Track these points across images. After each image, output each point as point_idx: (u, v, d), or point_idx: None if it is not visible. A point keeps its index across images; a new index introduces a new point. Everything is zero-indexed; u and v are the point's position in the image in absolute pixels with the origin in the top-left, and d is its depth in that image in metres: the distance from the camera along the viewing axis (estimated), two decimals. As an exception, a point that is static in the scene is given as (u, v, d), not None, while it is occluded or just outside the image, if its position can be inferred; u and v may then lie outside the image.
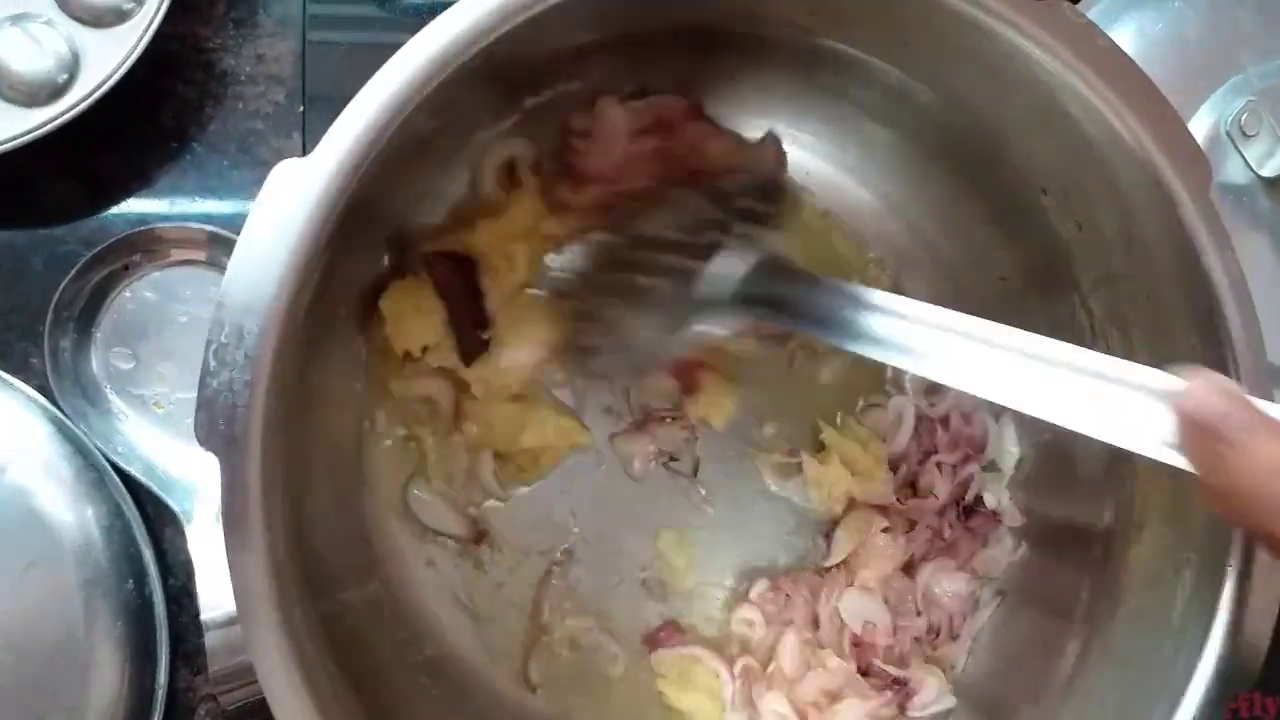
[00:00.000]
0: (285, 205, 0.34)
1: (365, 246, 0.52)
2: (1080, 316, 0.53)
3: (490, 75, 0.39)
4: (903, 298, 0.43)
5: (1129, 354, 0.49)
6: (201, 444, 0.34)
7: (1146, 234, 0.46)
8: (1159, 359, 0.45)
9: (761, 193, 0.56)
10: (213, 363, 0.34)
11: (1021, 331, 0.39)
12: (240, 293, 0.34)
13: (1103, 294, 0.51)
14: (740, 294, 0.50)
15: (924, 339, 0.41)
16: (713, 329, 0.50)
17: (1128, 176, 0.45)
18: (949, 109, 0.52)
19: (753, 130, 0.59)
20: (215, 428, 0.33)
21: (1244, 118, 0.61)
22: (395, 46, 0.37)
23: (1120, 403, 0.36)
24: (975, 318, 0.40)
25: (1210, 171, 0.44)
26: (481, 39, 0.36)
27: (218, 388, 0.34)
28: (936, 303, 0.41)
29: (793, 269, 0.50)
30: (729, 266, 0.50)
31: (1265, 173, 0.61)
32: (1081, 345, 0.38)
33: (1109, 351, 0.48)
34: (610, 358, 0.55)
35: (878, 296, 0.43)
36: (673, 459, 0.61)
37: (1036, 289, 0.56)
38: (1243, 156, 0.61)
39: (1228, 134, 0.61)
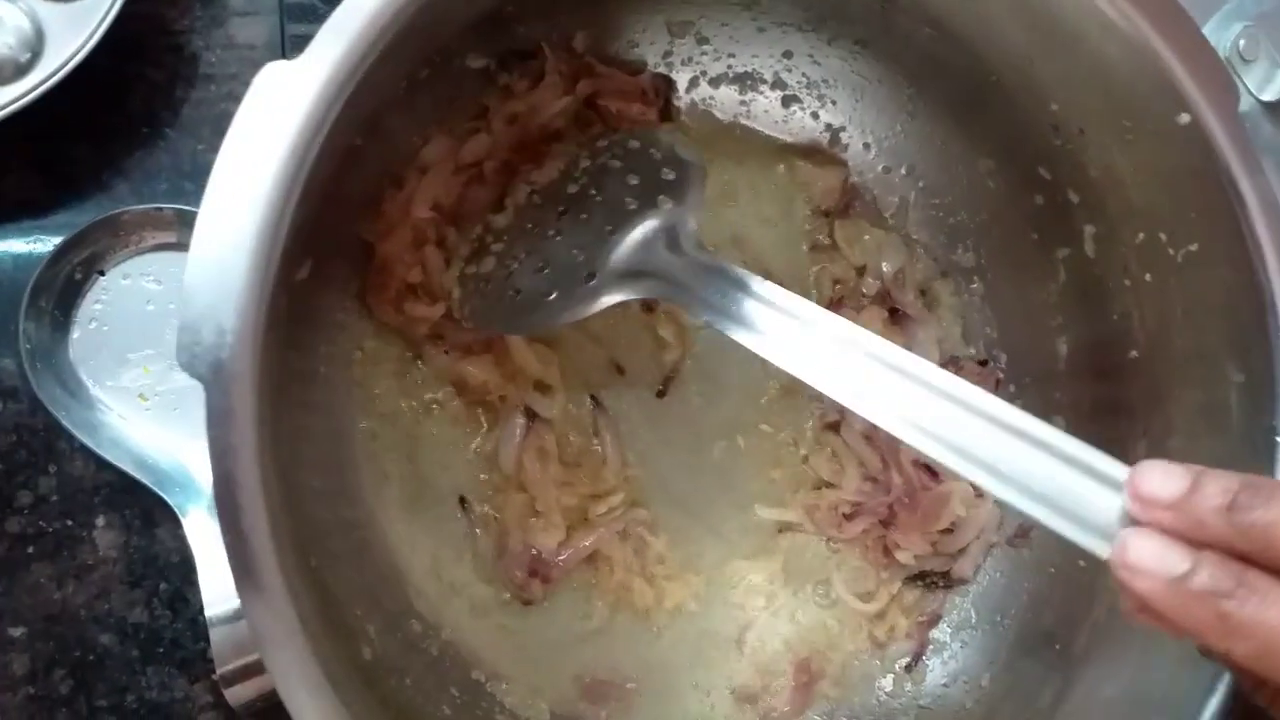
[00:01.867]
0: (272, 112, 0.32)
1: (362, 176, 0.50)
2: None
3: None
4: (792, 296, 0.42)
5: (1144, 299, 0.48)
6: (184, 369, 0.32)
7: (1169, 164, 0.44)
8: (1185, 300, 0.45)
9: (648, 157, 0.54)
10: (195, 282, 0.31)
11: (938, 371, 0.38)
12: (224, 208, 0.32)
13: (1110, 237, 0.50)
14: (633, 268, 0.48)
15: (804, 339, 0.41)
16: (615, 297, 0.48)
17: (1149, 101, 0.43)
18: (948, 45, 0.50)
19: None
20: (199, 353, 0.31)
21: (1242, 43, 0.60)
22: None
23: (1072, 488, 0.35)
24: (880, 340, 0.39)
25: (1238, 91, 0.42)
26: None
27: (201, 310, 0.31)
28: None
29: (682, 248, 0.48)
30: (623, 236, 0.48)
31: (1266, 97, 0.60)
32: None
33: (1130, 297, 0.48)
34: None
35: (766, 289, 0.43)
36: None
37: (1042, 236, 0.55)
38: (1242, 82, 0.60)
39: (1226, 60, 0.60)
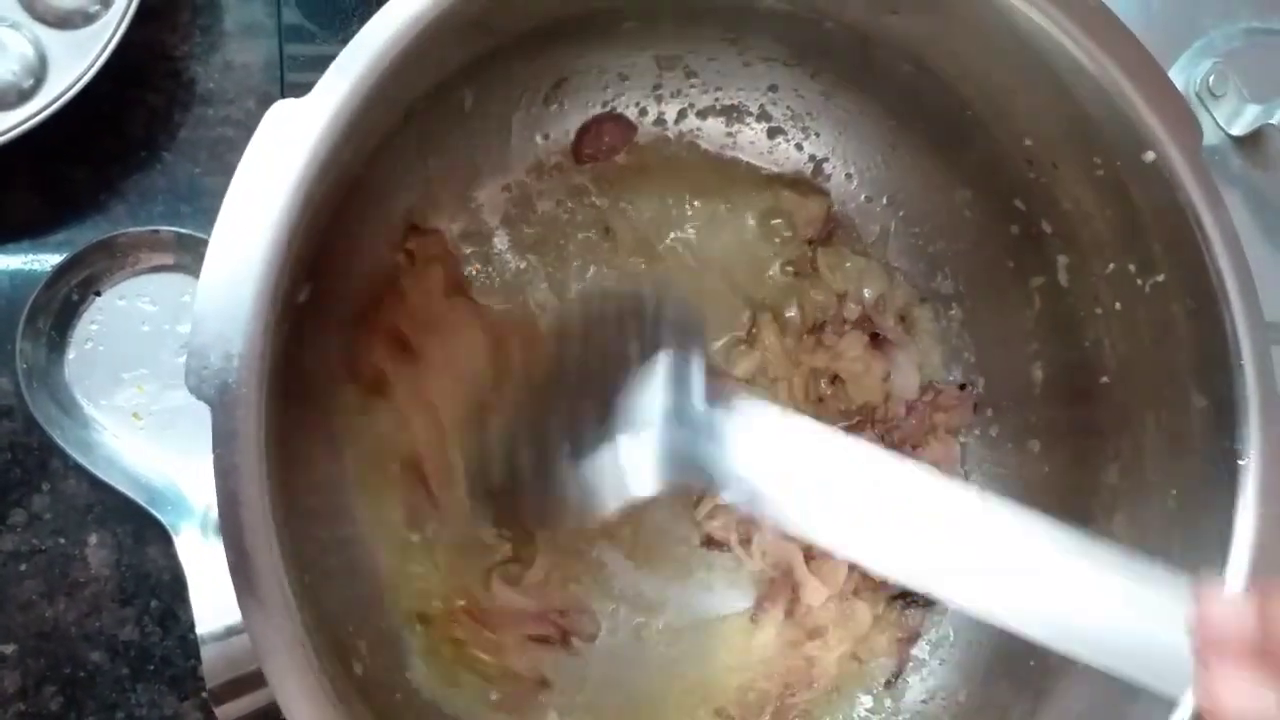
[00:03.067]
0: (282, 146, 0.33)
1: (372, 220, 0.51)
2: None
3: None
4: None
5: (1115, 327, 0.50)
6: (192, 392, 0.33)
7: (1136, 199, 0.46)
8: (1152, 329, 0.46)
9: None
10: (204, 308, 0.32)
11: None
12: (234, 237, 0.33)
13: (1082, 267, 0.51)
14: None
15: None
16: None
17: (1117, 139, 0.45)
18: (928, 81, 0.52)
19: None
20: (207, 375, 0.32)
21: (1211, 79, 0.62)
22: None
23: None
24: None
25: (1201, 132, 0.44)
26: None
27: (209, 335, 0.32)
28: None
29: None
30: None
31: (1234, 131, 0.62)
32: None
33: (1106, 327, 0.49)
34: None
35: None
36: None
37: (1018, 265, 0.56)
38: (1212, 117, 0.63)
39: (1196, 95, 0.63)
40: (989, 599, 0.37)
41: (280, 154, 0.34)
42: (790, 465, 0.40)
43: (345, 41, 0.35)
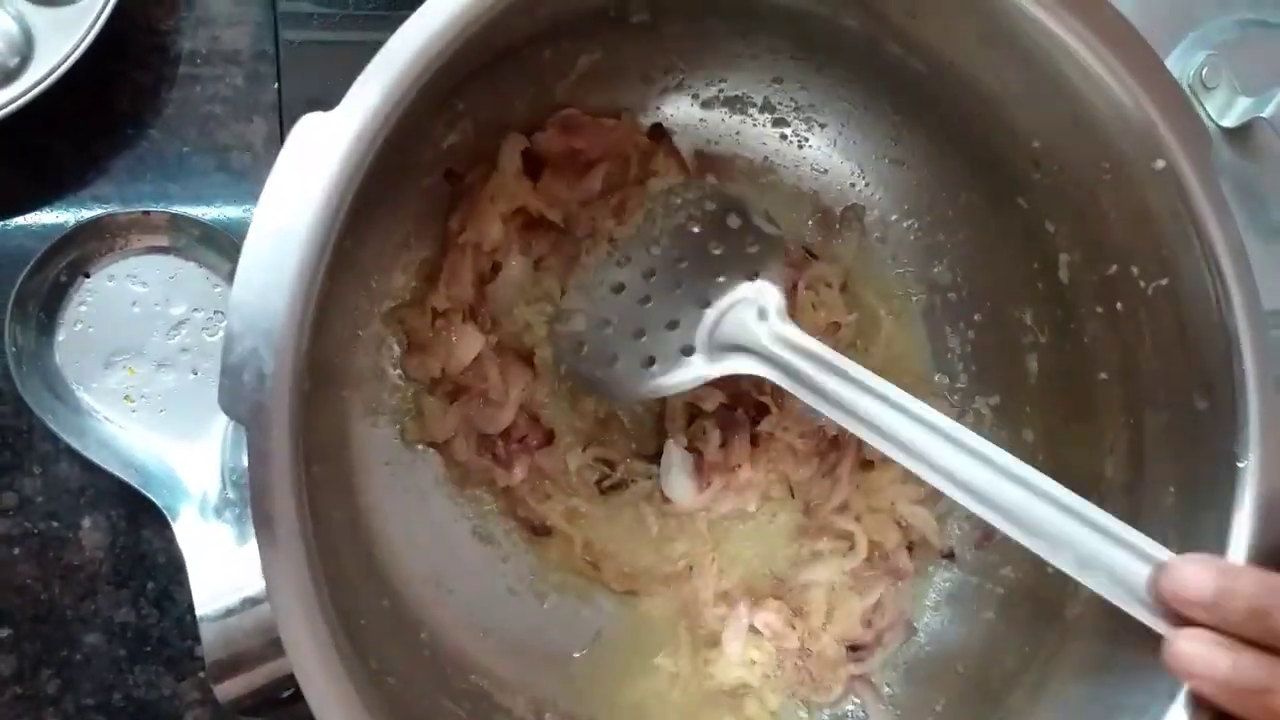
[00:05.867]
0: (313, 158, 0.33)
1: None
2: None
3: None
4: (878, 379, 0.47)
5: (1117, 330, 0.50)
6: (225, 411, 0.32)
7: (1144, 204, 0.46)
8: (1154, 331, 0.47)
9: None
10: (237, 326, 0.32)
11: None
12: (266, 251, 0.32)
13: (1084, 266, 0.52)
14: (729, 342, 0.51)
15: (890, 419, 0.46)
16: (715, 371, 0.51)
17: (1127, 146, 0.45)
18: (939, 80, 0.51)
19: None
20: (241, 395, 0.32)
21: (1204, 71, 0.63)
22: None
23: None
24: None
25: (1210, 142, 0.44)
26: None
27: (242, 353, 0.32)
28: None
29: (772, 324, 0.50)
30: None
31: (1226, 123, 0.63)
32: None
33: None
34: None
35: (853, 370, 0.47)
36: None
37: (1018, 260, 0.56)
38: (1204, 109, 0.63)
39: (1190, 88, 0.63)
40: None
41: (311, 167, 0.33)
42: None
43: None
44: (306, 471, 0.34)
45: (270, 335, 0.32)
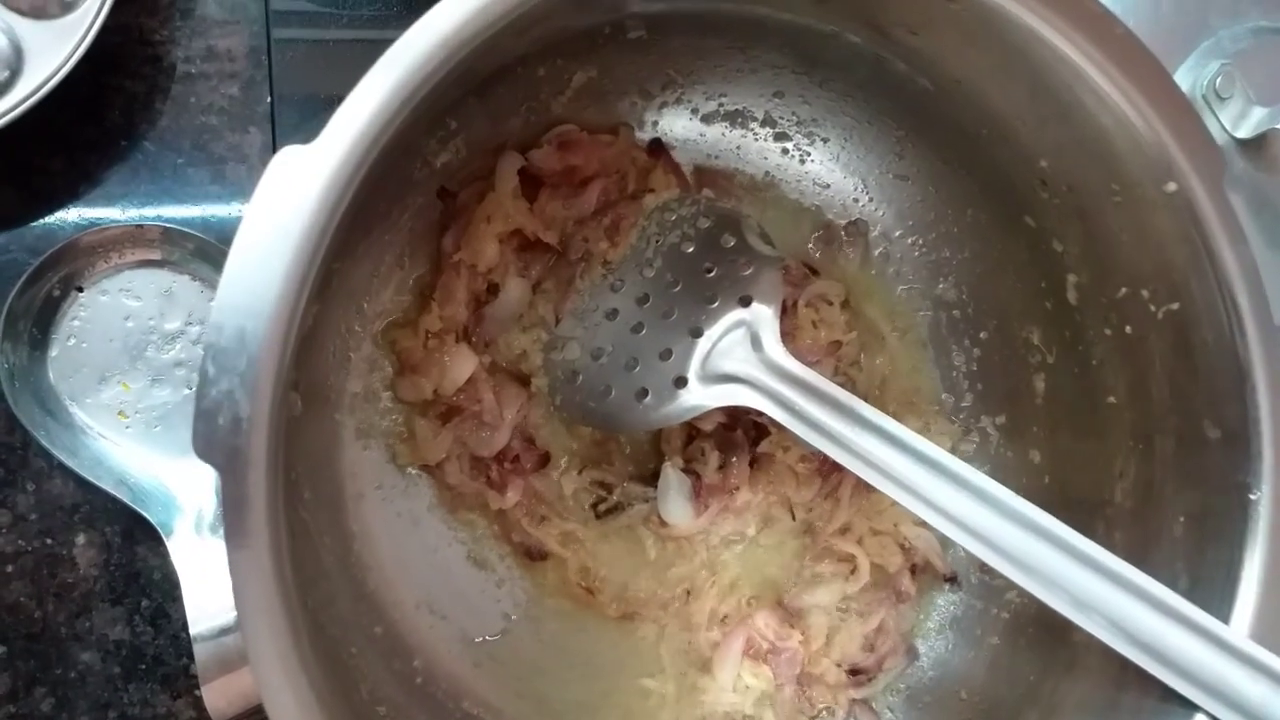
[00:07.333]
0: (289, 194, 0.32)
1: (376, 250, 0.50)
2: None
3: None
4: (877, 413, 0.46)
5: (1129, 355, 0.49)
6: (200, 456, 0.32)
7: (1155, 227, 0.45)
8: (1164, 356, 0.46)
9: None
10: (211, 369, 0.31)
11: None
12: (240, 293, 0.32)
13: (1092, 288, 0.51)
14: (722, 373, 0.50)
15: (890, 458, 0.45)
16: (709, 404, 0.51)
17: (1138, 168, 0.44)
18: (943, 98, 0.50)
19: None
20: (216, 440, 0.31)
21: (1218, 81, 0.61)
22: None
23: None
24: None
25: (1223, 164, 0.43)
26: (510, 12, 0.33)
27: (217, 397, 0.31)
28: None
29: (767, 352, 0.50)
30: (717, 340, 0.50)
31: (1240, 134, 0.61)
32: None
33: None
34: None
35: (852, 403, 0.46)
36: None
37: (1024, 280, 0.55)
38: (1218, 119, 0.62)
39: (1203, 98, 0.62)
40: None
41: (288, 201, 0.32)
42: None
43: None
44: (290, 506, 0.33)
45: (246, 378, 0.31)
